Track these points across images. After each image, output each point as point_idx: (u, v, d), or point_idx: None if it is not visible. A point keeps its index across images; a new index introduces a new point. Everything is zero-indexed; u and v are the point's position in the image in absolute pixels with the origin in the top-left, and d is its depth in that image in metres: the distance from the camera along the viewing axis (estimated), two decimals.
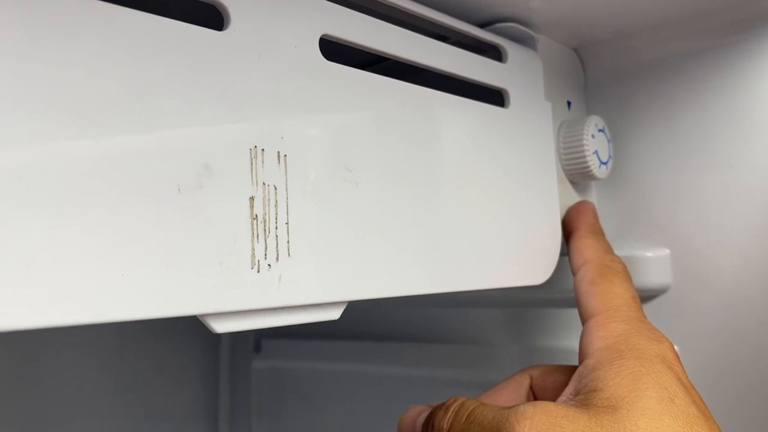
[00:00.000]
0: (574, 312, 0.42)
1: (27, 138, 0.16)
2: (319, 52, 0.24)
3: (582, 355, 0.28)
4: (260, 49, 0.22)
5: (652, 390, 0.24)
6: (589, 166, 0.36)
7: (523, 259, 0.32)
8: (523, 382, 0.31)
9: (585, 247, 0.33)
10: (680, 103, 0.38)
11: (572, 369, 0.29)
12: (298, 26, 0.23)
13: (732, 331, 0.36)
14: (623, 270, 0.32)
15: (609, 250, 0.33)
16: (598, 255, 0.32)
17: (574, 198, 0.38)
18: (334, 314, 0.24)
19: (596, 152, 0.37)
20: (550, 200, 0.35)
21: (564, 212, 0.36)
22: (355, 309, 0.25)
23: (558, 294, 0.38)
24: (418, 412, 0.31)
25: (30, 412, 0.52)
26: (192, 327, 0.61)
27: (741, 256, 0.35)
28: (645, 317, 0.30)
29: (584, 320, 0.30)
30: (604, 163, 0.37)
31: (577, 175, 0.37)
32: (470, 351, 0.47)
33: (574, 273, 0.33)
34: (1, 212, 0.16)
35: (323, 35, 0.24)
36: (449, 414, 0.27)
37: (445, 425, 0.27)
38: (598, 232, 0.34)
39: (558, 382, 0.30)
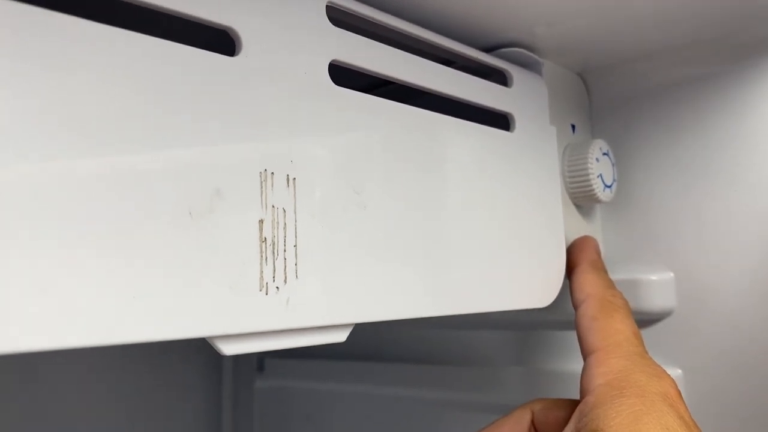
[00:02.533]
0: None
1: (41, 160, 0.17)
2: (328, 78, 0.24)
3: (583, 392, 0.28)
4: (271, 74, 0.22)
5: (653, 430, 0.24)
6: (593, 190, 0.36)
7: (527, 281, 0.33)
8: (524, 417, 0.31)
9: (586, 282, 0.33)
10: (683, 127, 0.38)
11: (574, 404, 0.29)
12: (308, 52, 0.24)
13: (736, 355, 0.35)
14: (624, 305, 0.32)
15: (610, 285, 0.33)
16: (599, 290, 0.32)
17: (578, 221, 0.38)
18: (341, 337, 0.24)
19: (600, 175, 0.37)
20: (555, 223, 0.35)
21: (568, 235, 0.36)
22: (359, 330, 0.25)
23: (562, 316, 0.38)
24: None
25: (30, 425, 0.51)
26: (195, 345, 0.61)
27: (745, 279, 0.35)
28: (646, 353, 0.30)
29: (585, 355, 0.30)
30: (609, 187, 0.38)
31: (582, 198, 0.37)
32: (475, 372, 0.46)
33: (575, 308, 0.33)
34: (14, 234, 0.16)
35: (332, 61, 0.25)
36: None
37: None
38: (600, 268, 0.35)
39: (559, 418, 0.30)
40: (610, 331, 0.30)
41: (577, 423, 0.26)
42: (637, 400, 0.25)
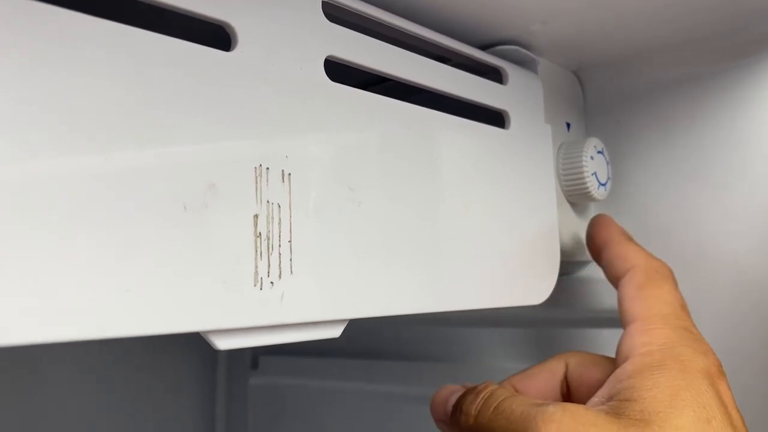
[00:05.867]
0: (573, 333, 0.42)
1: (35, 153, 0.17)
2: (324, 73, 0.24)
3: (620, 358, 0.27)
4: (266, 69, 0.22)
5: (690, 408, 0.23)
6: (588, 188, 0.36)
7: (522, 278, 0.33)
8: (558, 370, 0.30)
9: (629, 251, 0.32)
10: (678, 126, 0.38)
11: (611, 365, 0.28)
12: (304, 48, 0.24)
13: (730, 351, 0.36)
14: (672, 276, 0.31)
15: (653, 255, 0.32)
16: (645, 260, 0.31)
17: (573, 219, 0.38)
18: (335, 332, 0.24)
19: (595, 174, 0.37)
20: (550, 221, 0.35)
21: (563, 233, 0.37)
22: (354, 327, 0.25)
23: (558, 314, 0.38)
24: (451, 392, 0.30)
25: (24, 423, 0.51)
26: (189, 343, 0.61)
27: (738, 279, 0.36)
28: (694, 326, 0.28)
29: (626, 323, 0.29)
30: (603, 185, 0.38)
31: (576, 196, 0.37)
32: (470, 370, 0.47)
33: (617, 279, 0.31)
34: (8, 227, 0.16)
35: (328, 56, 0.25)
36: (478, 400, 0.27)
37: (473, 412, 0.27)
38: (633, 239, 0.33)
39: (594, 378, 0.28)
40: (656, 300, 0.29)
41: (611, 389, 0.26)
42: (678, 375, 0.25)
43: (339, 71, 0.25)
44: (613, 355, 0.29)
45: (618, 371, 0.26)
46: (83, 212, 0.17)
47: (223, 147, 0.21)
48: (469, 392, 0.28)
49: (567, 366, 0.30)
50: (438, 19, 0.32)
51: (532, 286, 0.33)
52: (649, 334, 0.27)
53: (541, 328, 0.44)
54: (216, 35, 0.22)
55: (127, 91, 0.18)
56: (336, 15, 0.26)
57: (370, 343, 0.54)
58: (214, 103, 0.21)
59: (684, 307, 0.29)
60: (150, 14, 0.20)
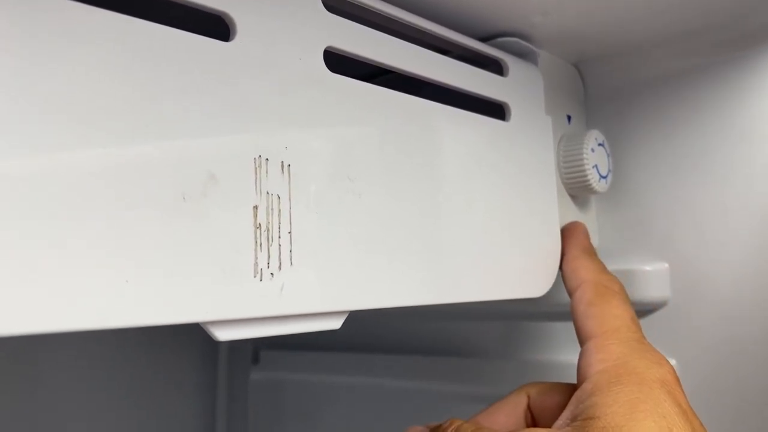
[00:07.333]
0: (572, 326, 0.42)
1: (35, 145, 0.16)
2: (323, 64, 0.24)
3: (580, 378, 0.28)
4: (266, 60, 0.22)
5: (650, 419, 0.24)
6: (588, 180, 0.36)
7: (523, 271, 0.33)
8: (520, 402, 0.31)
9: (580, 267, 0.33)
10: (679, 118, 0.38)
11: (570, 389, 0.29)
12: (303, 38, 0.24)
13: (730, 345, 0.36)
14: (621, 290, 0.32)
15: (605, 269, 0.33)
16: (594, 275, 0.32)
17: (573, 211, 0.38)
18: (335, 324, 0.24)
19: (596, 166, 0.37)
20: (550, 213, 0.35)
21: (564, 225, 0.36)
22: (354, 321, 0.25)
23: (556, 307, 0.38)
24: None
25: (25, 419, 0.51)
26: (190, 337, 0.61)
27: (739, 270, 0.36)
28: (644, 338, 0.29)
29: (582, 342, 0.30)
30: (604, 177, 0.38)
31: (577, 189, 0.37)
32: (468, 364, 0.47)
33: (570, 294, 0.32)
34: (8, 217, 0.16)
35: (327, 47, 0.24)
36: None
37: None
38: (592, 253, 0.34)
39: (555, 403, 0.29)
40: (607, 316, 0.30)
41: (574, 410, 0.26)
42: (635, 388, 0.25)
43: (339, 62, 0.25)
44: None
45: (578, 392, 0.27)
46: (82, 203, 0.17)
47: (222, 137, 0.21)
48: (434, 430, 0.28)
49: (528, 396, 0.31)
50: (438, 10, 0.32)
51: (533, 279, 0.33)
52: (604, 350, 0.28)
53: (539, 321, 0.44)
54: (215, 25, 0.22)
55: (125, 82, 0.18)
56: (335, 5, 0.26)
57: (371, 337, 0.54)
58: (213, 94, 0.21)
59: (634, 319, 0.30)
60: (147, 4, 0.20)
